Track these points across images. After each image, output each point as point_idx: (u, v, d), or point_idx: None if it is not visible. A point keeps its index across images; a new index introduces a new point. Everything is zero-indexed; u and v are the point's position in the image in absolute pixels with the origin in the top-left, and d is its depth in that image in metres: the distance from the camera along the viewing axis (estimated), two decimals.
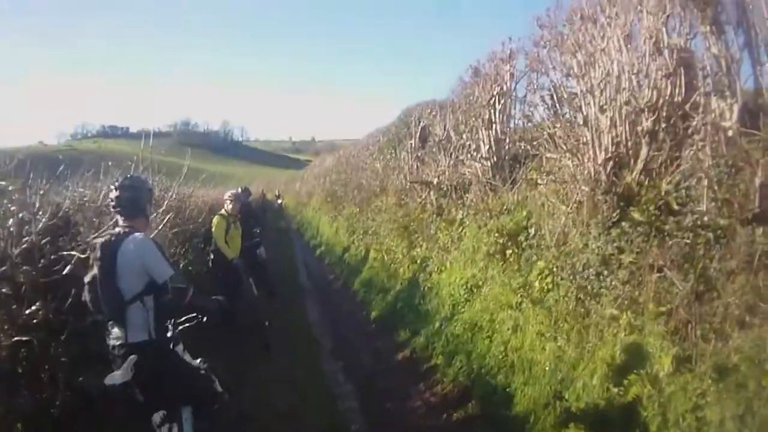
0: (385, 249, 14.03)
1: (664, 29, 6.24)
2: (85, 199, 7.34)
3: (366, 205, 18.31)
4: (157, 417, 4.78)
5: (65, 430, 5.18)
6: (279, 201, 43.26)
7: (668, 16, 6.20)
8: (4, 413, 4.92)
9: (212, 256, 10.77)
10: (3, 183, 5.98)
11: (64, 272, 5.60)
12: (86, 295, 4.81)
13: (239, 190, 13.68)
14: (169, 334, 5.01)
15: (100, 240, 4.81)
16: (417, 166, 14.87)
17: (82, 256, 5.51)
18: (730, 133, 5.37)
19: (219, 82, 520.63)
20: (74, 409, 5.25)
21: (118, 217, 4.97)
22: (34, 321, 5.29)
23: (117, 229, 4.86)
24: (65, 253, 5.81)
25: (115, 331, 4.69)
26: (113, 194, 4.93)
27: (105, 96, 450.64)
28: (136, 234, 4.80)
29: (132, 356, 4.56)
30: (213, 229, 10.69)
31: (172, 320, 5.14)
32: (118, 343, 4.68)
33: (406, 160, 15.68)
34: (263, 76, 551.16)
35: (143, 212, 5.09)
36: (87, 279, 4.79)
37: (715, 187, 5.12)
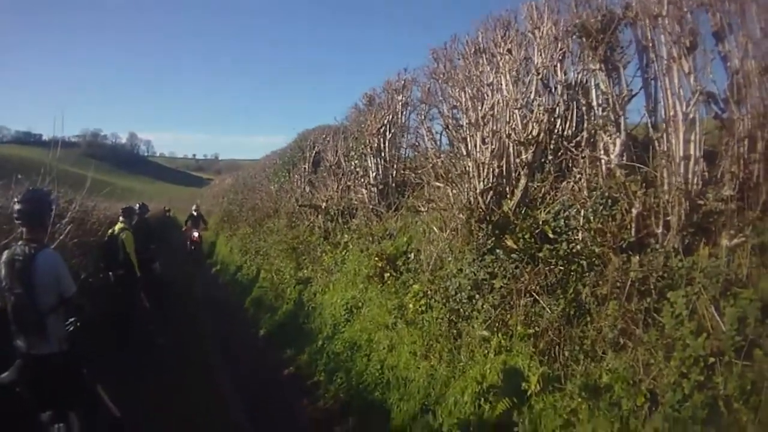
0: (274, 269, 13.37)
1: (558, 66, 6.24)
2: None
3: (259, 226, 17.60)
4: (45, 416, 4.76)
5: None
6: (195, 233, 22.40)
7: (564, 53, 6.17)
8: None
9: (121, 271, 10.00)
10: None
11: None
12: (9, 310, 4.70)
13: (137, 205, 13.03)
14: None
15: (10, 253, 4.76)
16: (308, 189, 14.44)
17: None
18: (612, 165, 5.28)
19: (128, 94, 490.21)
20: None
21: (23, 228, 4.86)
22: None
23: (20, 242, 4.80)
24: None
25: (32, 339, 4.69)
26: (16, 207, 4.86)
27: (21, 99, 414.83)
28: (47, 250, 4.85)
29: (18, 360, 4.66)
30: (125, 244, 10.01)
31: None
32: (33, 352, 4.68)
33: (298, 183, 15.27)
34: (172, 89, 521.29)
35: (43, 224, 5.01)
36: (14, 293, 4.66)
37: (591, 217, 4.98)
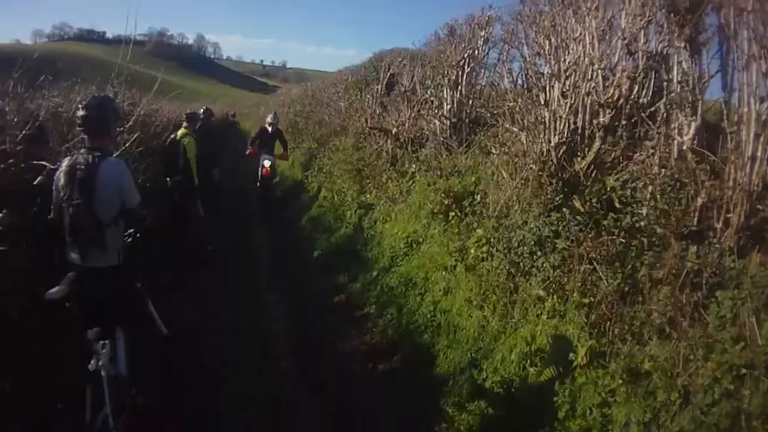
0: (336, 189, 13.62)
1: (642, 33, 6.10)
2: (60, 109, 7.32)
3: (324, 142, 17.56)
4: (91, 333, 4.66)
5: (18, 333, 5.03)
6: (267, 162, 14.94)
7: (648, 22, 6.04)
8: None
9: (179, 177, 10.48)
10: None
11: (35, 182, 5.51)
12: (67, 218, 4.63)
13: (201, 110, 13.34)
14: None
15: (71, 161, 4.70)
16: (379, 112, 14.47)
17: (52, 167, 5.33)
18: (684, 147, 5.29)
19: None
20: (29, 314, 5.09)
21: (85, 135, 4.82)
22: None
23: (83, 150, 4.75)
24: (36, 162, 5.74)
25: (88, 251, 4.67)
26: (80, 113, 4.76)
27: None
28: (111, 159, 4.80)
29: (70, 273, 4.64)
30: (187, 150, 10.44)
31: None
32: (87, 265, 4.67)
33: (369, 104, 15.25)
34: None
35: (108, 132, 4.95)
36: (72, 204, 4.60)
37: (658, 196, 5.05)
